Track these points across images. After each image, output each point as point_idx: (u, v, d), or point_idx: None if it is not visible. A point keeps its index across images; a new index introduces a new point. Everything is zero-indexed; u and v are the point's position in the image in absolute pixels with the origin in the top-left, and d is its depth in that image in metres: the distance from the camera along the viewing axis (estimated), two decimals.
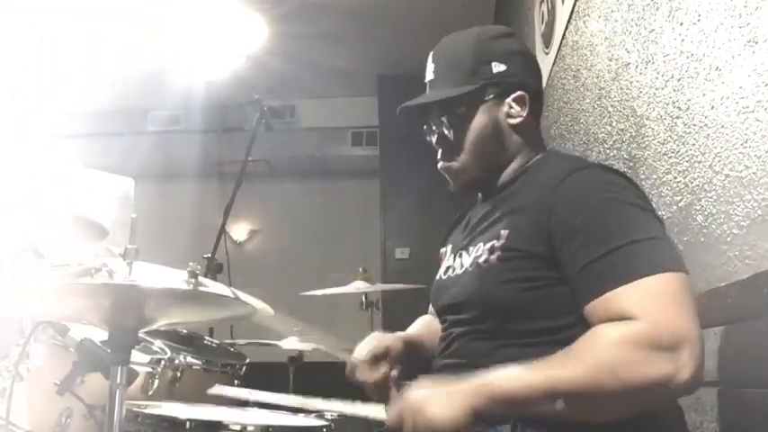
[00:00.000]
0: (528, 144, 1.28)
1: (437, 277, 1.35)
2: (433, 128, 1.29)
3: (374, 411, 1.14)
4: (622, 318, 0.96)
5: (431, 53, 1.32)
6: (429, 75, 1.31)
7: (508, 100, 1.25)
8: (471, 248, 1.21)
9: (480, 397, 1.00)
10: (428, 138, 1.31)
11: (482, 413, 1.00)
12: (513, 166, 1.27)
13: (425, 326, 1.50)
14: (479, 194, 1.34)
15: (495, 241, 1.14)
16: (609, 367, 0.93)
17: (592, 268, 1.01)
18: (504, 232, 1.14)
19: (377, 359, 1.36)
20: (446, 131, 1.27)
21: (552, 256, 1.07)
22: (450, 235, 1.44)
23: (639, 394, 0.95)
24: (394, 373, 1.36)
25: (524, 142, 1.27)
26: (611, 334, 0.96)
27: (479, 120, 1.25)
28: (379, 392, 1.34)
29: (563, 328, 1.07)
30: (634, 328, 0.94)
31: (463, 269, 1.22)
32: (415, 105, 1.29)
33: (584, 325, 1.03)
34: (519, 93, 1.25)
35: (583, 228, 1.04)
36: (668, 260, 1.00)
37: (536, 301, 1.09)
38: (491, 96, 1.25)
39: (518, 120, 1.26)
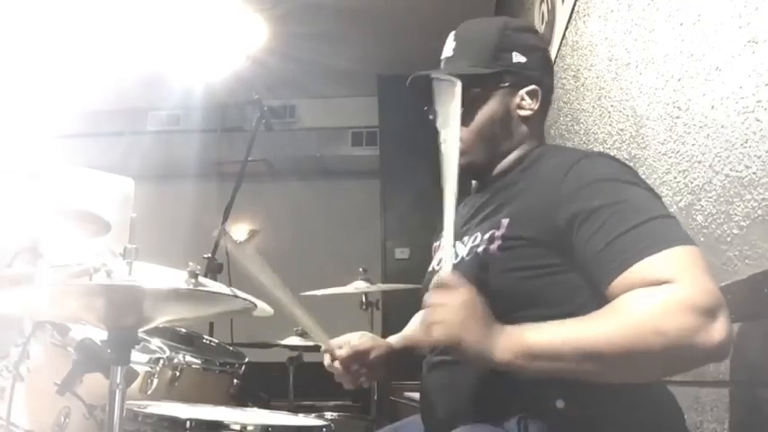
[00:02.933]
0: (532, 136, 1.28)
1: (429, 269, 1.35)
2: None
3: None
4: (660, 282, 0.95)
5: (453, 32, 1.32)
6: (447, 51, 1.31)
7: (521, 92, 1.26)
8: (467, 238, 1.21)
9: (514, 347, 0.98)
10: (431, 116, 1.29)
11: (509, 366, 0.98)
12: (514, 155, 1.27)
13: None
14: (474, 183, 1.34)
15: (494, 230, 1.14)
16: (654, 327, 0.92)
17: (616, 245, 1.00)
18: (504, 221, 1.13)
19: (356, 355, 1.39)
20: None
21: (557, 241, 1.07)
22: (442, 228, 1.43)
23: (680, 355, 0.94)
24: (363, 371, 1.40)
25: (529, 134, 1.28)
26: (653, 295, 0.94)
27: (491, 104, 1.25)
28: (350, 383, 1.41)
29: (563, 315, 1.06)
30: (676, 290, 0.93)
31: (459, 258, 1.21)
32: (426, 79, 1.27)
33: (585, 312, 1.02)
34: (533, 87, 1.26)
35: (600, 209, 1.04)
36: (686, 235, 1.01)
37: (538, 289, 1.09)
38: (506, 84, 1.25)
39: (528, 112, 1.26)
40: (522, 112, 1.26)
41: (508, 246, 1.12)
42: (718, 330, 0.91)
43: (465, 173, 1.28)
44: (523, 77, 1.26)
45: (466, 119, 1.24)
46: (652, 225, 1.00)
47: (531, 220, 1.11)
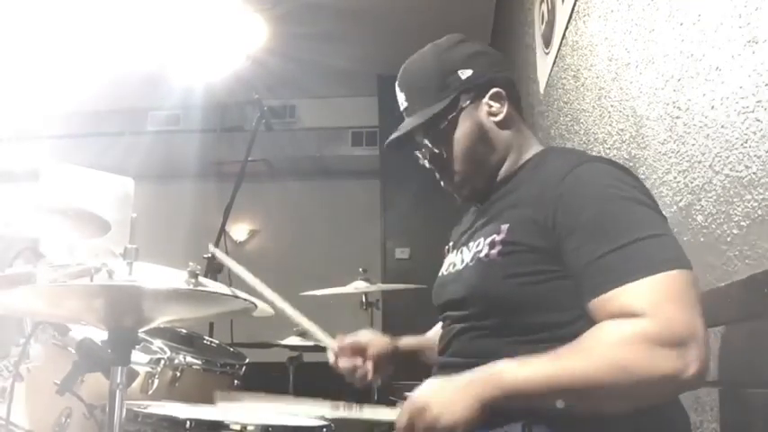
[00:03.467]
0: (518, 136, 1.29)
1: (439, 274, 1.36)
2: (424, 152, 1.30)
3: (383, 414, 1.14)
4: (629, 315, 0.96)
5: (396, 84, 1.33)
6: (402, 104, 1.32)
7: (485, 100, 1.26)
8: (471, 243, 1.22)
9: (489, 388, 1.00)
10: (423, 162, 1.33)
11: (491, 406, 0.99)
12: (510, 161, 1.28)
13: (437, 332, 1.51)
14: None
15: (495, 235, 1.14)
16: (619, 363, 0.94)
17: (597, 265, 1.01)
18: (504, 226, 1.14)
19: (354, 350, 1.41)
20: (437, 149, 1.27)
21: (555, 249, 1.07)
22: (453, 232, 1.45)
23: (647, 389, 0.96)
24: (369, 365, 1.40)
25: (513, 136, 1.28)
26: (620, 330, 0.96)
27: (463, 128, 1.26)
28: (359, 381, 1.41)
29: (565, 323, 1.07)
30: (643, 326, 0.95)
31: (464, 264, 1.22)
32: (400, 136, 1.30)
33: (586, 320, 1.03)
34: (493, 90, 1.26)
35: (587, 224, 1.04)
36: (672, 258, 1.00)
37: (538, 296, 1.09)
38: (467, 103, 1.26)
39: (501, 116, 1.27)
40: (496, 118, 1.27)
41: (508, 251, 1.12)
42: (690, 361, 0.92)
43: (474, 197, 1.32)
44: (479, 88, 1.26)
45: (449, 153, 1.27)
46: (639, 246, 1.00)
47: (529, 225, 1.11)
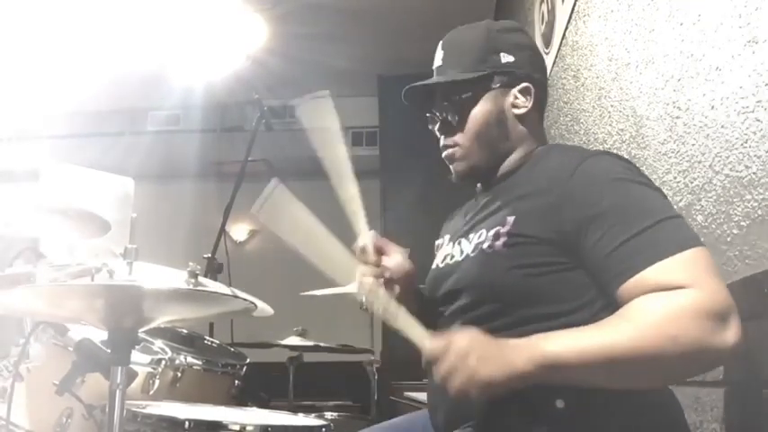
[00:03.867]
0: (531, 135, 1.28)
1: (433, 266, 1.34)
2: (437, 113, 1.29)
3: (414, 331, 1.09)
4: (673, 288, 0.95)
5: (441, 41, 1.33)
6: (437, 61, 1.32)
7: (514, 90, 1.26)
8: (472, 235, 1.21)
9: (534, 360, 0.98)
10: (431, 125, 1.31)
11: (530, 380, 0.98)
12: (516, 155, 1.27)
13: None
14: (478, 185, 1.34)
15: (500, 227, 1.14)
16: (669, 333, 0.93)
17: (626, 248, 1.00)
18: (510, 218, 1.13)
19: (379, 250, 1.28)
20: (450, 116, 1.27)
21: (564, 242, 1.07)
22: (446, 227, 1.43)
23: (695, 360, 0.96)
24: (387, 274, 1.26)
25: (527, 133, 1.28)
26: (667, 302, 0.95)
27: (484, 106, 1.25)
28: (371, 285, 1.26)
29: (566, 312, 1.07)
30: (690, 296, 0.94)
31: (464, 255, 1.21)
32: (420, 88, 1.29)
33: (588, 310, 1.03)
34: (525, 84, 1.26)
35: (609, 211, 1.04)
36: (694, 236, 1.01)
37: (542, 287, 1.09)
38: (498, 85, 1.26)
39: (523, 110, 1.26)
40: (517, 111, 1.26)
41: (513, 242, 1.11)
42: (731, 334, 0.92)
43: (468, 176, 1.30)
44: (514, 76, 1.26)
45: (461, 124, 1.26)
46: (662, 227, 1.00)
47: (537, 219, 1.10)
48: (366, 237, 1.29)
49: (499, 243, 1.13)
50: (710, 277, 0.96)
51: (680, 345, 0.92)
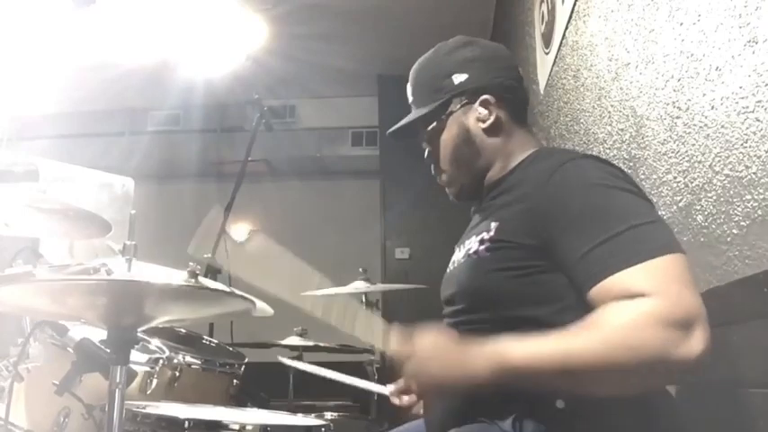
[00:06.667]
0: (510, 142, 1.30)
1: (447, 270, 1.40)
2: (423, 146, 1.37)
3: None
4: (635, 296, 0.96)
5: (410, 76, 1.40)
6: (409, 97, 1.39)
7: (475, 106, 1.30)
8: (467, 242, 1.25)
9: (492, 365, 1.00)
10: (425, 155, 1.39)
11: (490, 383, 1.00)
12: (497, 167, 1.30)
13: None
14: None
15: (484, 233, 1.17)
16: (627, 343, 0.94)
17: (595, 253, 1.01)
18: (493, 225, 1.17)
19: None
20: (428, 148, 1.35)
21: (543, 246, 1.09)
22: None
23: (654, 369, 0.95)
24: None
25: (502, 143, 1.30)
26: (628, 310, 0.95)
27: (450, 131, 1.31)
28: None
29: (551, 314, 1.08)
30: (650, 305, 0.94)
31: (457, 262, 1.27)
32: (402, 128, 1.38)
33: (573, 312, 1.04)
34: (484, 97, 1.29)
35: (580, 216, 1.05)
36: (668, 242, 1.01)
37: (523, 289, 1.11)
38: (458, 107, 1.30)
39: (489, 122, 1.29)
40: (483, 125, 1.29)
41: (495, 247, 1.15)
42: (695, 343, 0.91)
43: (462, 197, 1.37)
44: (471, 93, 1.30)
45: (437, 153, 1.34)
46: (634, 233, 1.00)
47: (517, 224, 1.13)
48: (387, 390, 1.34)
49: (483, 248, 1.16)
50: (676, 285, 0.95)
51: (639, 355, 0.93)
